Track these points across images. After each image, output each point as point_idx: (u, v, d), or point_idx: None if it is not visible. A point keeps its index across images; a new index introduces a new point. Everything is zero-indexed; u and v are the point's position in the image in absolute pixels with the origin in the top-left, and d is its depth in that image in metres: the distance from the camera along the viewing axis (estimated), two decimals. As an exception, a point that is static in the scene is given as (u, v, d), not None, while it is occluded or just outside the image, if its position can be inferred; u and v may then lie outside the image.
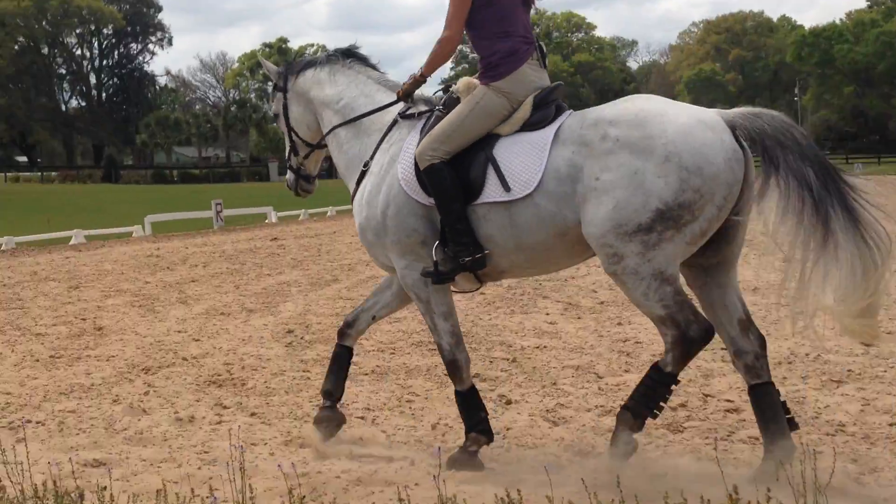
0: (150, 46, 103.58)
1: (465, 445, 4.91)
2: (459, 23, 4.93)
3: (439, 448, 4.20)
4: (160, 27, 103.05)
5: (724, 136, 4.32)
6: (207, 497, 3.93)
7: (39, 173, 77.75)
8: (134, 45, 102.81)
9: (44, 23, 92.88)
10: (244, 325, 9.41)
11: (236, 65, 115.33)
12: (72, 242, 20.09)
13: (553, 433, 5.43)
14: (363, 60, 5.60)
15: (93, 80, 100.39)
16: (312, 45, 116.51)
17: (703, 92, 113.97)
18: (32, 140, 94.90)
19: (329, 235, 21.57)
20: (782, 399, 4.55)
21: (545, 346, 7.90)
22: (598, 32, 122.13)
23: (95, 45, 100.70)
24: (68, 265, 15.62)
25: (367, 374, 7.10)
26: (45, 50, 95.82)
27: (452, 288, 5.03)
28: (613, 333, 8.37)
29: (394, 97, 5.27)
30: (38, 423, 5.88)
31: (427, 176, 4.79)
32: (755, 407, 4.53)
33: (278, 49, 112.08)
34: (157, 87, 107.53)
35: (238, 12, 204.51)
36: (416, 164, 4.84)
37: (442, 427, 5.63)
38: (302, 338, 8.64)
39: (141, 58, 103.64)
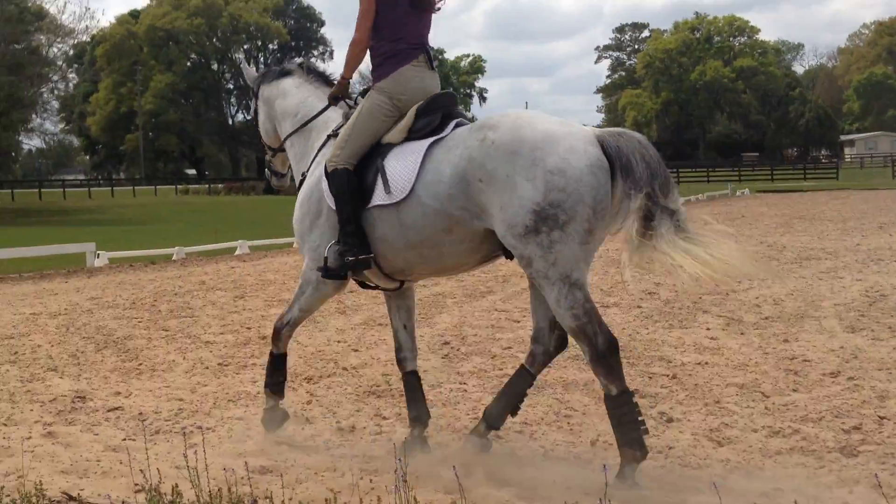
0: (313, 60, 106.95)
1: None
2: (364, 27, 5.49)
3: (605, 466, 4.16)
4: (322, 41, 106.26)
5: (590, 147, 4.79)
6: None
7: (207, 185, 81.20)
8: (298, 59, 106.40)
9: (214, 39, 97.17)
10: (402, 336, 9.54)
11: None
12: (237, 253, 20.86)
13: (718, 454, 5.29)
14: (322, 76, 6.33)
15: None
16: (468, 55, 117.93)
17: (874, 97, 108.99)
18: (201, 153, 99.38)
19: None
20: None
21: (706, 363, 7.70)
22: (762, 36, 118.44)
23: (261, 59, 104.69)
24: (233, 275, 16.22)
25: (524, 388, 7.07)
26: (215, 66, 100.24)
27: (371, 284, 5.66)
28: (779, 350, 8.07)
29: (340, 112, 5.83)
30: (208, 429, 6.12)
31: (328, 179, 5.42)
32: (511, 387, 5.48)
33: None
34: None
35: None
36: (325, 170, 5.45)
37: (602, 444, 5.57)
38: (458, 349, 8.70)
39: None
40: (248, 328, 10.24)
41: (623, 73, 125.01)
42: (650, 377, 7.28)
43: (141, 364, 8.34)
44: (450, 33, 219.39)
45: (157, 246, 21.00)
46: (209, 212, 43.40)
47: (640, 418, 4.77)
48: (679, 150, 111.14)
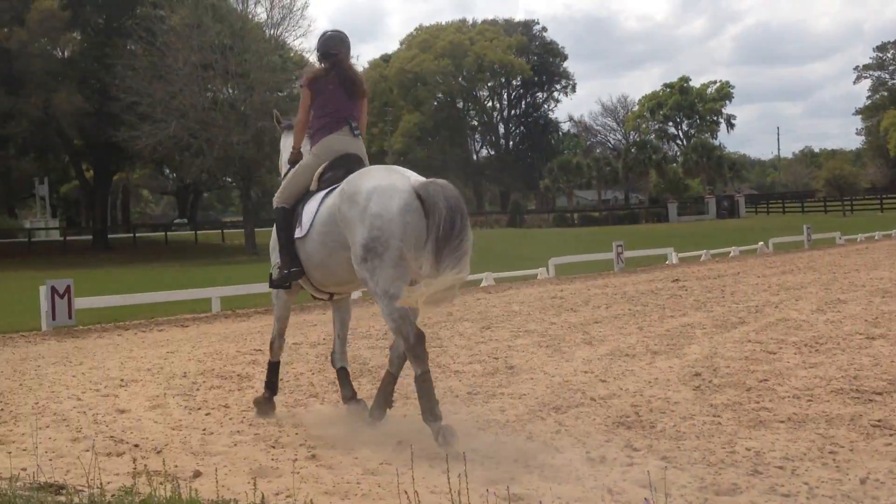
0: (555, 94, 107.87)
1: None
2: (305, 110, 7.54)
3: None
4: (565, 75, 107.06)
5: (404, 194, 6.39)
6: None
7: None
8: (540, 94, 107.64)
9: (460, 79, 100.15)
10: (649, 367, 9.38)
11: (636, 107, 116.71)
12: (482, 284, 21.26)
13: None
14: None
15: (501, 129, 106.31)
16: (715, 82, 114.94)
17: None
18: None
19: (732, 276, 20.94)
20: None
21: None
22: None
23: (505, 96, 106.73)
24: (480, 306, 16.53)
25: (782, 422, 6.76)
26: (460, 104, 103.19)
27: (312, 296, 7.67)
28: None
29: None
30: (462, 456, 6.22)
31: (275, 214, 7.33)
32: (382, 391, 7.39)
33: (679, 88, 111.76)
34: (560, 134, 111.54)
35: (640, 54, 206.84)
36: None
37: (872, 482, 5.21)
38: (710, 381, 8.43)
39: (546, 106, 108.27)
40: (496, 358, 10.38)
41: (885, 94, 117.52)
42: (924, 413, 6.74)
43: (395, 392, 8.61)
44: (696, 60, 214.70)
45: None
46: (455, 245, 44.48)
47: (433, 391, 6.49)
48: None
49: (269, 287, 7.58)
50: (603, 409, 7.52)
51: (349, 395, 7.73)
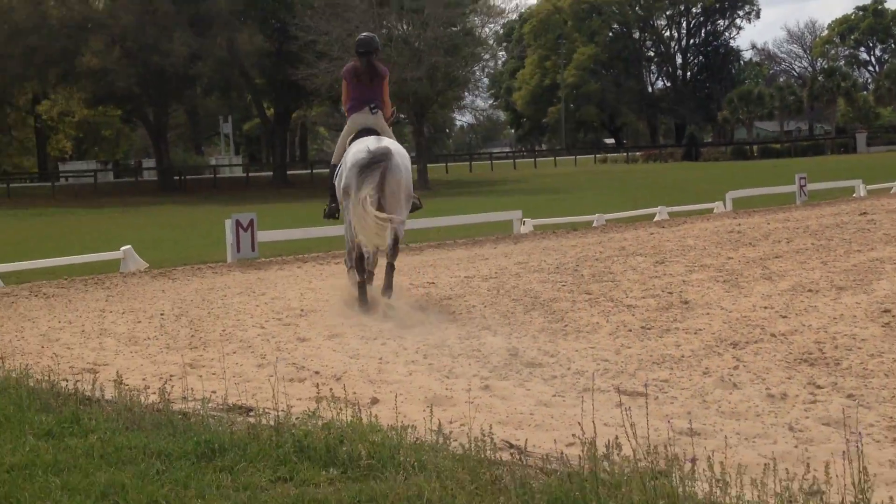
0: (737, 21, 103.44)
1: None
2: (345, 94, 10.45)
3: None
4: (749, 1, 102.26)
5: (359, 154, 9.46)
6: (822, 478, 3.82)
7: (625, 154, 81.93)
8: (721, 22, 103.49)
9: (636, 8, 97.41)
10: (834, 303, 9.00)
11: (825, 32, 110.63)
12: (655, 219, 20.84)
13: None
14: None
15: (678, 60, 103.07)
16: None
17: None
18: (620, 122, 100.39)
19: (927, 209, 19.72)
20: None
21: None
22: None
23: (683, 25, 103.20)
24: (653, 241, 16.22)
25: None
26: (636, 34, 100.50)
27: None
28: None
29: None
30: (634, 390, 6.17)
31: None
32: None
33: (874, 11, 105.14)
34: (742, 63, 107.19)
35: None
36: None
37: None
38: (901, 318, 8.01)
39: (727, 34, 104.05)
40: (670, 293, 10.20)
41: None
42: None
43: (567, 325, 8.62)
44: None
45: (577, 213, 21.57)
46: (628, 179, 43.81)
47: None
48: None
49: (323, 217, 11.44)
50: (784, 346, 7.29)
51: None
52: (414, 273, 13.00)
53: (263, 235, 16.26)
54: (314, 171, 61.76)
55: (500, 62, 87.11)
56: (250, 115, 75.25)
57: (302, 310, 10.14)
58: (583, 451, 4.10)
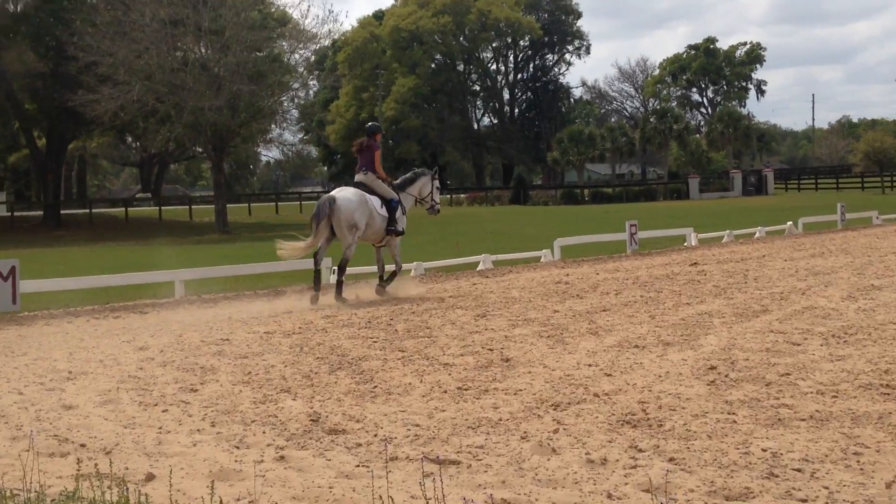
0: (567, 56, 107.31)
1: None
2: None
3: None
4: (578, 35, 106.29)
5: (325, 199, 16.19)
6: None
7: (449, 195, 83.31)
8: (550, 56, 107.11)
9: (461, 38, 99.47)
10: (660, 360, 9.40)
11: (657, 71, 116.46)
12: (479, 268, 21.27)
13: None
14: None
15: (506, 96, 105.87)
16: (745, 44, 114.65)
17: None
18: (443, 160, 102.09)
19: (757, 259, 20.98)
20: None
21: None
22: None
23: (511, 58, 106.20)
24: (475, 291, 16.54)
25: (803, 420, 6.79)
26: (461, 66, 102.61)
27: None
28: None
29: None
30: (446, 458, 6.25)
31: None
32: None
33: (705, 50, 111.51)
34: (572, 100, 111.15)
35: (665, 12, 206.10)
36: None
37: (899, 487, 5.24)
38: (726, 375, 8.46)
39: (556, 69, 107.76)
40: (491, 349, 10.40)
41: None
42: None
43: (376, 387, 8.65)
44: (725, 18, 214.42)
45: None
46: (451, 223, 44.51)
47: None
48: None
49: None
50: (607, 406, 7.55)
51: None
52: (206, 329, 12.75)
53: (27, 285, 15.60)
54: (93, 210, 59.80)
55: (311, 92, 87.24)
56: (17, 145, 72.16)
57: (70, 372, 9.76)
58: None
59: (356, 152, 16.51)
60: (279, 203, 74.59)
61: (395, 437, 6.80)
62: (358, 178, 16.36)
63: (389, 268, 16.96)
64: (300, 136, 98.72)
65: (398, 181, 17.36)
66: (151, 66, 45.55)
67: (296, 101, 62.80)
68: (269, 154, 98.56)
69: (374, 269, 17.37)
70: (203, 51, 48.51)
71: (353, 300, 15.72)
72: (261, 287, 18.08)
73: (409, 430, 7.04)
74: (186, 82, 45.55)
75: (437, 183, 17.71)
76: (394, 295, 16.05)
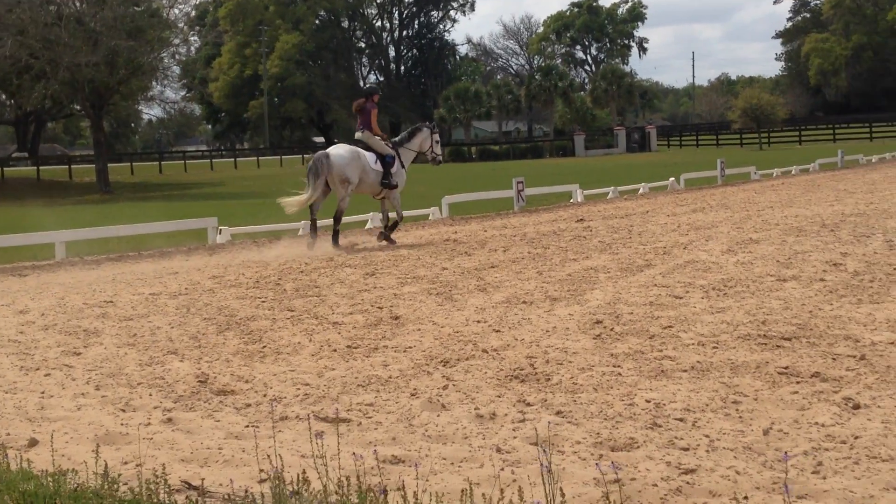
0: (451, 13, 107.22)
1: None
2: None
3: (786, 454, 4.10)
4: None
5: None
6: (516, 501, 4.03)
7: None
8: (435, 13, 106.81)
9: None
10: (548, 315, 9.54)
11: (541, 29, 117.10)
12: (367, 226, 21.20)
13: (912, 445, 5.10)
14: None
15: (391, 53, 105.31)
16: (627, 2, 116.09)
17: None
18: (330, 119, 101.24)
19: (641, 215, 21.40)
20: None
21: (902, 342, 7.42)
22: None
23: (396, 15, 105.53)
24: (363, 250, 16.52)
25: (685, 371, 6.98)
26: (345, 23, 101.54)
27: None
28: None
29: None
30: (335, 416, 6.26)
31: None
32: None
33: (588, 8, 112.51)
34: (457, 58, 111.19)
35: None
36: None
37: (775, 433, 5.44)
38: (611, 329, 8.63)
39: (441, 26, 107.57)
40: (380, 307, 10.41)
41: (807, 16, 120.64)
42: (834, 359, 7.06)
43: (265, 347, 8.60)
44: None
45: (282, 220, 21.54)
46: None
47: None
48: (872, 102, 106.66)
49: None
50: (495, 362, 7.63)
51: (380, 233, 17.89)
52: (88, 291, 12.47)
53: None
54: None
55: (192, 49, 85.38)
56: None
57: (-53, 338, 9.45)
58: (271, 486, 4.11)
59: (356, 111, 17.75)
60: (162, 162, 73.14)
61: (285, 397, 6.78)
62: (357, 136, 17.54)
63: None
64: (182, 93, 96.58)
65: (397, 137, 18.51)
66: (24, 20, 43.87)
67: (177, 57, 61.14)
68: (150, 112, 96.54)
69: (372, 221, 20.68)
70: (78, 5, 46.99)
71: (347, 246, 17.11)
72: (145, 248, 17.73)
73: (298, 389, 7.03)
74: (62, 37, 44.05)
75: (436, 136, 18.67)
76: (397, 244, 17.15)
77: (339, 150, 17.17)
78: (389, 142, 17.91)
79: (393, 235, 17.60)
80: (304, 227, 20.14)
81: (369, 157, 17.16)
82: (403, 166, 17.89)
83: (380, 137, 17.62)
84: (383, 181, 17.30)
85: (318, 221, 17.32)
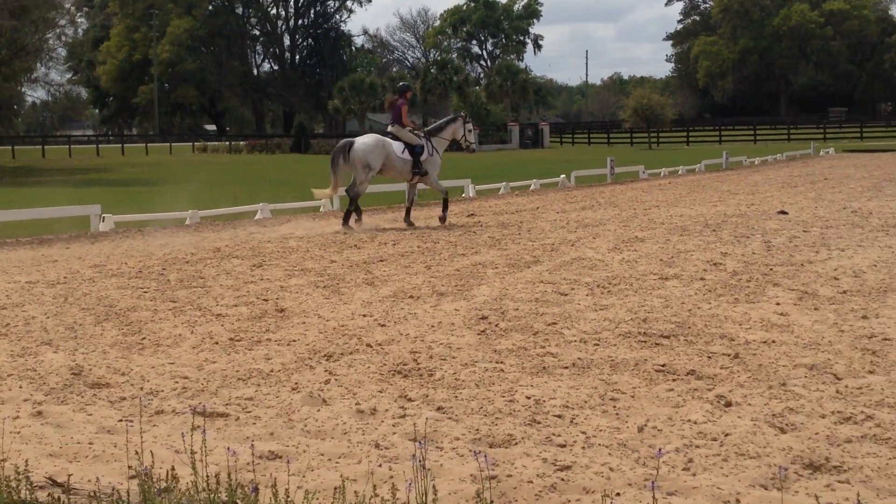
0: (348, 4, 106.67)
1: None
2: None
3: (660, 450, 4.17)
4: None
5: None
6: (388, 498, 4.03)
7: (227, 142, 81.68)
8: (331, 3, 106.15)
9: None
10: (434, 310, 9.56)
11: (438, 22, 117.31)
12: (257, 217, 21.00)
13: (780, 441, 5.25)
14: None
15: (286, 41, 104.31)
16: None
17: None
18: (222, 107, 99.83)
19: (531, 212, 21.61)
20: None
21: (774, 341, 7.64)
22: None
23: (291, 3, 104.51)
24: (252, 241, 16.34)
25: (566, 368, 7.07)
26: (240, 9, 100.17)
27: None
28: (857, 328, 8.00)
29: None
30: (214, 410, 6.18)
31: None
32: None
33: (484, 3, 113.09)
34: (353, 49, 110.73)
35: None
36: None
37: (650, 430, 5.54)
38: (496, 325, 8.69)
39: (337, 16, 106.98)
40: (265, 300, 10.31)
41: (697, 19, 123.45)
42: (709, 357, 7.23)
43: (144, 338, 8.43)
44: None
45: (169, 209, 21.20)
46: (229, 172, 43.73)
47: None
48: (757, 105, 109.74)
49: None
50: (379, 357, 7.62)
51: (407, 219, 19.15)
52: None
53: None
54: None
55: (79, 30, 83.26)
56: None
57: None
58: (139, 483, 4.03)
59: (388, 108, 19.28)
60: (46, 146, 71.18)
61: (162, 391, 6.66)
62: (389, 129, 18.94)
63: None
64: (68, 76, 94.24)
65: (430, 127, 19.84)
66: None
67: (63, 38, 59.76)
68: (34, 94, 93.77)
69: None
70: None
71: (357, 228, 17.96)
72: (23, 234, 17.23)
73: (177, 382, 6.91)
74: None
75: (469, 125, 19.83)
76: (440, 224, 18.61)
77: (364, 139, 18.82)
78: (422, 132, 19.25)
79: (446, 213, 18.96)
80: (191, 216, 19.85)
81: (396, 146, 18.51)
82: (437, 152, 19.18)
83: (410, 129, 18.92)
84: (414, 170, 18.72)
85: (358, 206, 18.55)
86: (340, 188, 18.88)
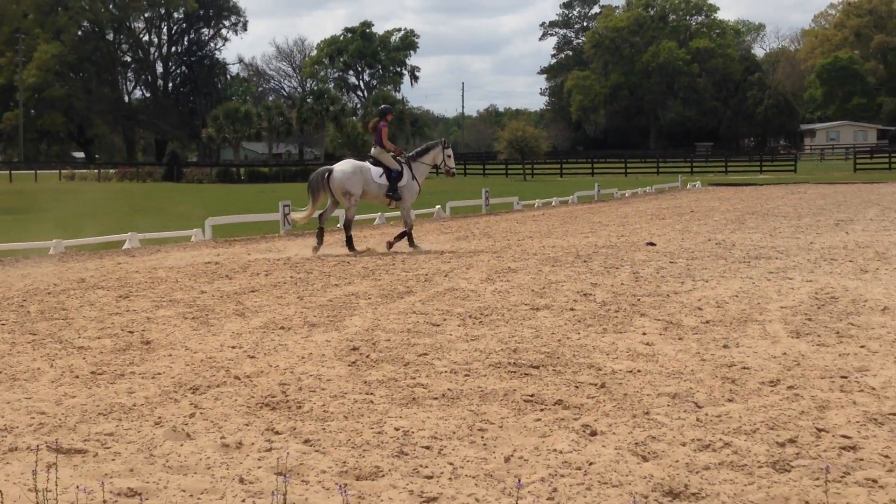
0: (223, 32, 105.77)
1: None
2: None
3: (519, 481, 4.18)
4: (235, 10, 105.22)
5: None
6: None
7: (97, 170, 79.84)
8: (205, 31, 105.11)
9: (110, 6, 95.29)
10: (305, 342, 9.48)
11: (315, 52, 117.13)
12: (125, 246, 20.53)
13: (641, 469, 5.34)
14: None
15: (159, 68, 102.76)
16: (400, 30, 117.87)
17: (838, 83, 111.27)
18: (91, 134, 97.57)
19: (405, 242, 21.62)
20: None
21: (639, 370, 7.79)
22: (721, 15, 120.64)
23: (164, 30, 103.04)
24: (120, 271, 15.96)
25: (436, 399, 7.07)
26: (110, 36, 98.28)
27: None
28: (718, 357, 8.22)
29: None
30: (71, 446, 5.99)
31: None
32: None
33: (361, 34, 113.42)
34: (228, 77, 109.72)
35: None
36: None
37: (516, 460, 5.57)
38: (367, 356, 8.66)
39: (212, 44, 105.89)
40: (131, 332, 10.07)
41: (570, 53, 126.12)
42: (577, 386, 7.33)
43: (0, 373, 8.14)
44: (383, 4, 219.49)
45: (33, 238, 20.58)
46: (98, 200, 42.70)
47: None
48: (628, 139, 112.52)
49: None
50: (247, 389, 7.51)
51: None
52: None
53: None
54: None
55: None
56: None
57: None
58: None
59: (371, 130, 19.67)
60: None
61: (17, 427, 6.42)
62: (372, 152, 19.48)
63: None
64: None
65: (412, 153, 20.31)
66: None
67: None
68: None
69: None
70: None
71: (363, 251, 19.02)
72: None
73: (33, 418, 6.68)
74: None
75: (448, 152, 20.19)
76: (419, 250, 19.09)
77: (341, 166, 19.18)
78: (403, 156, 19.66)
79: (403, 243, 19.34)
80: (55, 245, 19.30)
81: (374, 171, 19.01)
82: (416, 179, 19.59)
83: (391, 153, 19.39)
84: (388, 193, 19.09)
85: (323, 230, 19.17)
86: (317, 210, 19.33)
